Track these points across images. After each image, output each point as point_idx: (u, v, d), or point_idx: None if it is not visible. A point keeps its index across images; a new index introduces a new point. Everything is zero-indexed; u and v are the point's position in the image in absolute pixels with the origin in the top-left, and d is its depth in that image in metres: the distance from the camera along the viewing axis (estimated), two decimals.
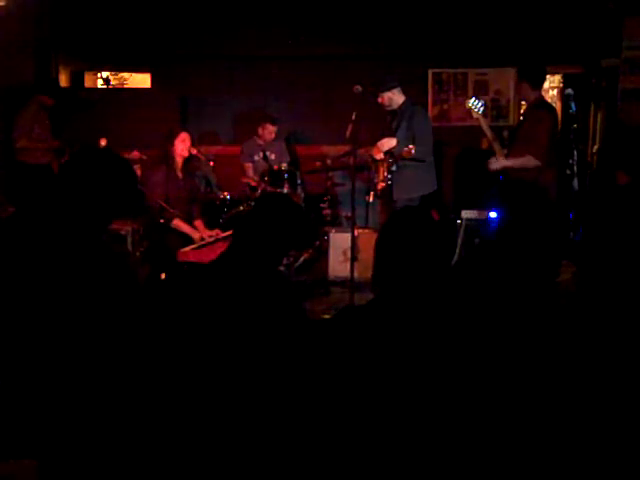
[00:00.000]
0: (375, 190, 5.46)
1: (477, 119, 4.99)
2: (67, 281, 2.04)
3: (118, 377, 2.07)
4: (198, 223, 5.37)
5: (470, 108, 5.00)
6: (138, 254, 5.28)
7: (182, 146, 5.23)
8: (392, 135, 5.41)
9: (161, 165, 5.25)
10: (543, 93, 5.02)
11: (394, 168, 5.29)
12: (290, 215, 2.38)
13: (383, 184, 5.38)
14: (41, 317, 2.00)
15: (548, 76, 5.89)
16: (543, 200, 4.77)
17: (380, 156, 5.37)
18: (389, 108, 5.49)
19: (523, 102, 5.05)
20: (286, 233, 2.35)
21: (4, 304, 2.02)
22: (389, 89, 5.42)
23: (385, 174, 5.36)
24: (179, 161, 5.27)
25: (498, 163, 4.87)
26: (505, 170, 4.98)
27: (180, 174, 5.31)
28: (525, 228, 4.74)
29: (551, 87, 8.14)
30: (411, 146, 5.08)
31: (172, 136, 5.24)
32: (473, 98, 5.04)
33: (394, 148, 5.30)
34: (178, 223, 5.14)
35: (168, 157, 5.24)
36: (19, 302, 2.01)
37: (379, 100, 5.46)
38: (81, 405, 2.00)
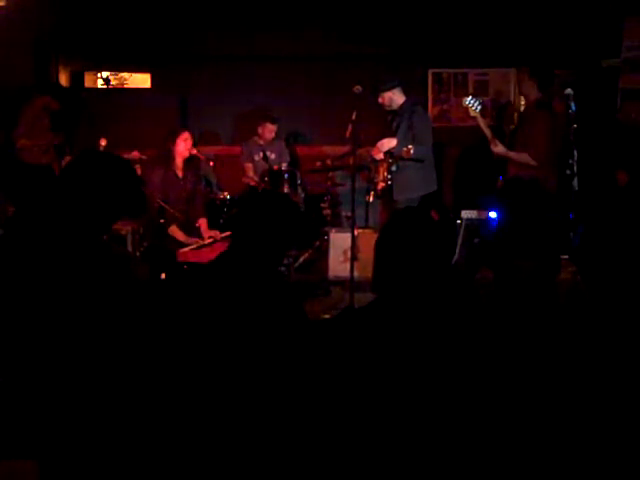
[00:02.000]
0: (375, 190, 5.47)
1: (475, 118, 4.99)
2: (68, 282, 2.04)
3: (118, 377, 2.08)
4: (202, 222, 5.37)
5: (467, 107, 5.00)
6: (138, 254, 5.28)
7: (184, 145, 5.23)
8: (392, 135, 5.41)
9: (160, 165, 5.25)
10: None
11: (394, 168, 5.30)
12: (287, 213, 2.37)
13: (383, 184, 5.38)
14: (42, 317, 2.00)
15: None
16: (543, 199, 4.78)
17: (380, 156, 5.37)
18: (389, 108, 5.49)
19: (522, 101, 5.05)
20: (283, 231, 2.35)
21: (5, 305, 2.02)
22: (389, 89, 5.43)
23: (385, 174, 5.36)
24: (179, 161, 5.28)
25: (499, 148, 4.88)
26: (505, 169, 4.99)
27: (180, 174, 5.31)
28: (524, 227, 4.74)
29: None
30: (410, 146, 5.08)
31: (174, 135, 5.24)
32: (470, 97, 5.04)
33: (394, 148, 5.30)
34: (174, 230, 5.14)
35: (168, 157, 5.24)
36: (20, 303, 2.02)
37: (379, 100, 5.46)
38: (81, 405, 2.00)
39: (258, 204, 2.40)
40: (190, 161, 5.38)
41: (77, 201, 2.14)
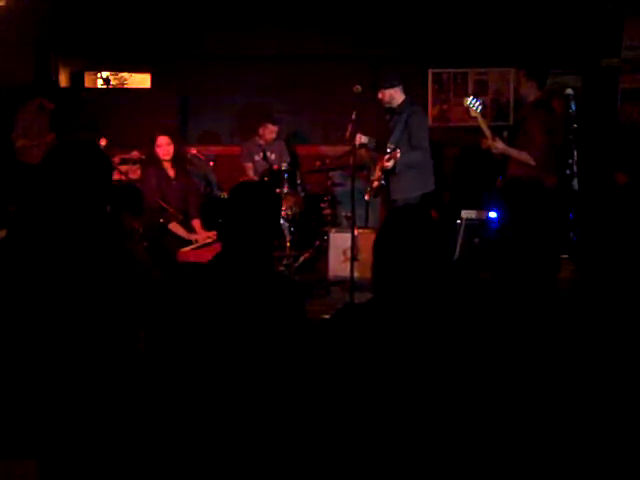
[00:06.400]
0: (371, 188, 5.48)
1: (475, 117, 5.00)
2: (74, 279, 2.04)
3: (119, 376, 2.08)
4: (195, 223, 5.39)
5: (468, 107, 5.01)
6: None
7: (160, 151, 5.29)
8: (390, 133, 5.42)
9: (153, 166, 5.31)
10: None
11: (390, 163, 5.25)
12: (266, 198, 2.36)
13: (377, 183, 5.40)
14: (41, 317, 2.00)
15: None
16: (542, 199, 4.79)
17: (389, 166, 5.27)
18: (388, 105, 5.49)
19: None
20: (266, 217, 2.32)
21: (7, 306, 2.02)
22: (391, 86, 5.43)
23: (379, 173, 5.38)
24: (165, 163, 5.32)
25: (500, 144, 4.89)
26: (504, 169, 4.99)
27: (172, 174, 5.35)
28: (523, 226, 4.76)
29: None
30: (397, 150, 5.12)
31: (152, 140, 5.29)
32: (471, 97, 5.05)
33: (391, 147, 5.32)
34: (174, 226, 5.17)
35: (155, 159, 5.30)
36: (20, 303, 2.02)
37: (379, 96, 5.46)
38: (82, 404, 2.00)
39: (239, 196, 2.37)
40: (182, 161, 5.42)
41: (57, 190, 2.13)
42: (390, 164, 5.18)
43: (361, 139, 5.36)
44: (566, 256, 4.44)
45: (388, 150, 5.17)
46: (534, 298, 4.16)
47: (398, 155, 5.12)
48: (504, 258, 4.79)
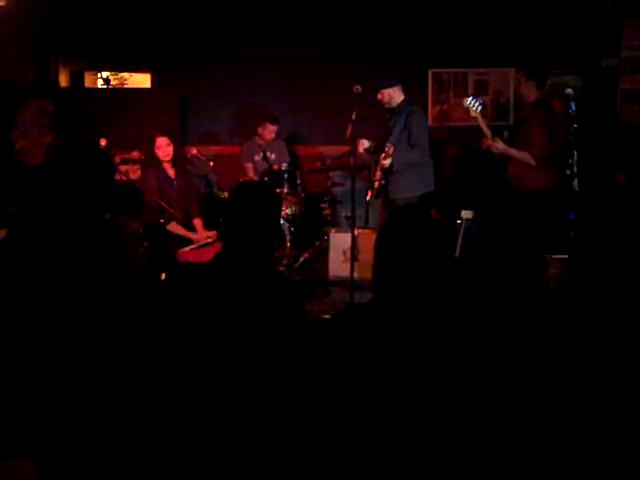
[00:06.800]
0: (372, 189, 5.48)
1: (475, 117, 5.00)
2: (73, 279, 2.04)
3: (116, 376, 2.08)
4: (197, 222, 5.40)
5: (468, 107, 5.01)
6: None
7: (160, 152, 5.30)
8: (389, 134, 5.43)
9: (152, 167, 5.32)
10: None
11: (387, 162, 5.26)
12: (266, 198, 2.36)
13: (378, 183, 5.40)
14: (40, 317, 2.00)
15: None
16: (517, 199, 4.82)
17: (365, 145, 5.35)
18: (387, 105, 5.49)
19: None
20: (266, 216, 2.33)
21: (5, 307, 2.02)
22: (391, 86, 5.43)
23: (380, 173, 5.39)
24: (166, 162, 5.33)
25: (500, 144, 4.91)
26: (504, 169, 5.00)
27: (172, 174, 5.35)
28: (498, 227, 4.81)
29: None
30: (390, 146, 5.14)
31: (151, 142, 5.30)
32: (471, 97, 5.06)
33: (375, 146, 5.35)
34: (173, 227, 5.17)
35: (155, 160, 5.31)
36: (20, 303, 2.02)
37: (379, 96, 5.46)
38: (81, 404, 2.00)
39: (239, 196, 2.38)
40: (177, 161, 5.43)
41: (58, 192, 2.13)
42: (387, 162, 5.20)
43: (364, 144, 5.37)
44: (566, 256, 4.45)
45: (386, 149, 5.19)
46: (526, 296, 4.18)
47: (391, 151, 5.13)
48: (482, 257, 4.83)
